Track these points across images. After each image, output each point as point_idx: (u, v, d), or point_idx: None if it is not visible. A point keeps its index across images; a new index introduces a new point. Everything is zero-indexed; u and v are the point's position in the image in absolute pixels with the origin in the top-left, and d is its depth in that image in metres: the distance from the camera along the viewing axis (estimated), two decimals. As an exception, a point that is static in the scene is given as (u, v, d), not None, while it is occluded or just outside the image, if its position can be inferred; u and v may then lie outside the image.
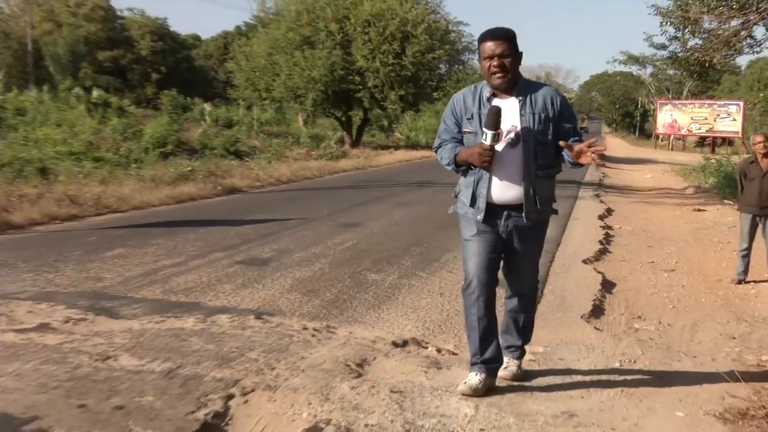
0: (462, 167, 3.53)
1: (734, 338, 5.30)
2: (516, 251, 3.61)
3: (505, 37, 3.38)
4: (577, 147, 3.27)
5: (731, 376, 4.17)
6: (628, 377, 4.26)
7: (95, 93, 29.12)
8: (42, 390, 3.60)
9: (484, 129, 3.28)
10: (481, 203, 3.46)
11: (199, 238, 8.54)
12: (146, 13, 55.10)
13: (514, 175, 3.42)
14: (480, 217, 3.48)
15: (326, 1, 31.89)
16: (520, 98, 3.42)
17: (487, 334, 3.53)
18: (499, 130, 3.28)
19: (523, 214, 3.46)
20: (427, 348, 4.74)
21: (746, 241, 7.29)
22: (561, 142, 3.37)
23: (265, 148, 25.67)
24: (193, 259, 7.34)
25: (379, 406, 3.57)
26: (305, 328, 4.97)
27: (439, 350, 4.70)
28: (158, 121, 23.97)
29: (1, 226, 8.84)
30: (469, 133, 3.51)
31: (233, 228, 9.52)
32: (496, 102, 3.40)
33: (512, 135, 3.37)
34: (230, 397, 3.60)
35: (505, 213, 3.49)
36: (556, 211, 3.81)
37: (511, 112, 3.39)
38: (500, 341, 3.71)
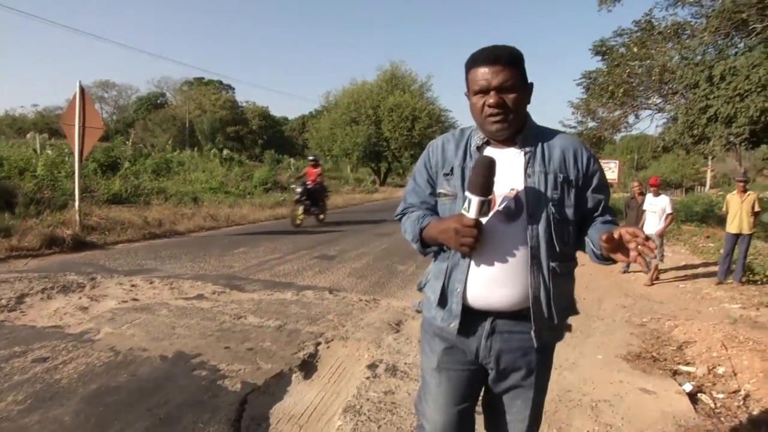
0: (431, 247, 1.51)
1: (624, 307, 5.26)
2: (504, 388, 1.47)
3: (508, 60, 1.33)
4: (616, 234, 1.25)
5: (627, 332, 4.25)
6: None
7: (225, 152, 29.59)
8: (202, 337, 3.57)
9: (468, 193, 1.29)
10: (455, 305, 1.41)
11: (290, 242, 8.49)
12: (256, 104, 56.18)
13: (511, 265, 1.36)
14: (453, 326, 1.42)
15: (366, 96, 32.43)
16: (528, 149, 1.39)
17: None
18: (491, 197, 1.29)
19: (533, 332, 1.38)
20: (437, 313, 4.64)
21: None
22: (602, 235, 1.27)
23: (327, 186, 25.78)
24: (287, 254, 7.28)
25: (412, 350, 3.49)
26: (360, 300, 4.90)
27: (445, 315, 4.60)
28: (263, 169, 24.18)
29: (171, 233, 8.88)
30: (445, 196, 1.46)
31: (311, 235, 9.45)
32: (489, 152, 1.40)
33: (510, 202, 1.36)
34: (318, 343, 3.54)
35: (489, 325, 1.41)
36: (569, 327, 1.50)
37: (511, 169, 1.38)
38: None
